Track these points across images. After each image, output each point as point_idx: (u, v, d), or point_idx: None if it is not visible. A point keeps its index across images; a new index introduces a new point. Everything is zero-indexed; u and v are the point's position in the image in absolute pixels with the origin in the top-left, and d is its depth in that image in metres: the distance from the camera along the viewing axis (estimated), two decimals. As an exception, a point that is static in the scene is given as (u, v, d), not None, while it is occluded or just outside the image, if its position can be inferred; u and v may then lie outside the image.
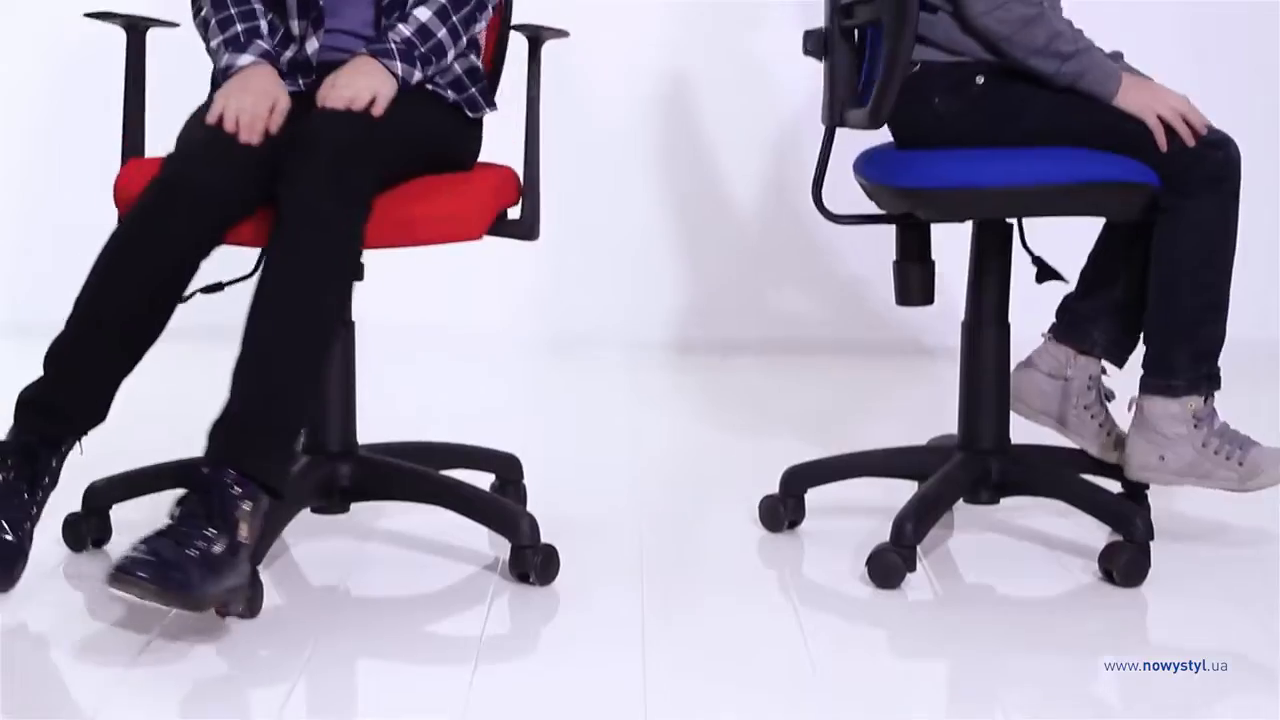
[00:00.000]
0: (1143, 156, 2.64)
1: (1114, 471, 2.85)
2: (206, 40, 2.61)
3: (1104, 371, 2.88)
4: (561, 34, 2.78)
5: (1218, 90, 4.64)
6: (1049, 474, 2.82)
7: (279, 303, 2.35)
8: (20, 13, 4.67)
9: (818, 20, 2.83)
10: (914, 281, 2.84)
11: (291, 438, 2.38)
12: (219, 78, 2.56)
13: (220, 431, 2.31)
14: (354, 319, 2.68)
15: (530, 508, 2.86)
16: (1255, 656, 2.38)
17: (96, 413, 2.47)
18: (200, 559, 2.17)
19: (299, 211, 2.37)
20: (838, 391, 4.30)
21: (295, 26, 2.64)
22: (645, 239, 4.77)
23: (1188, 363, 2.69)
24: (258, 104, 2.47)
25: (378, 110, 2.49)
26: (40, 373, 2.46)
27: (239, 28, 2.58)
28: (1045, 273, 2.84)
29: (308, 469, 2.65)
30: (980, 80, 2.72)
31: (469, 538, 2.74)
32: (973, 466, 2.79)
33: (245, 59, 2.55)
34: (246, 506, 2.26)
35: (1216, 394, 2.74)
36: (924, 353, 4.54)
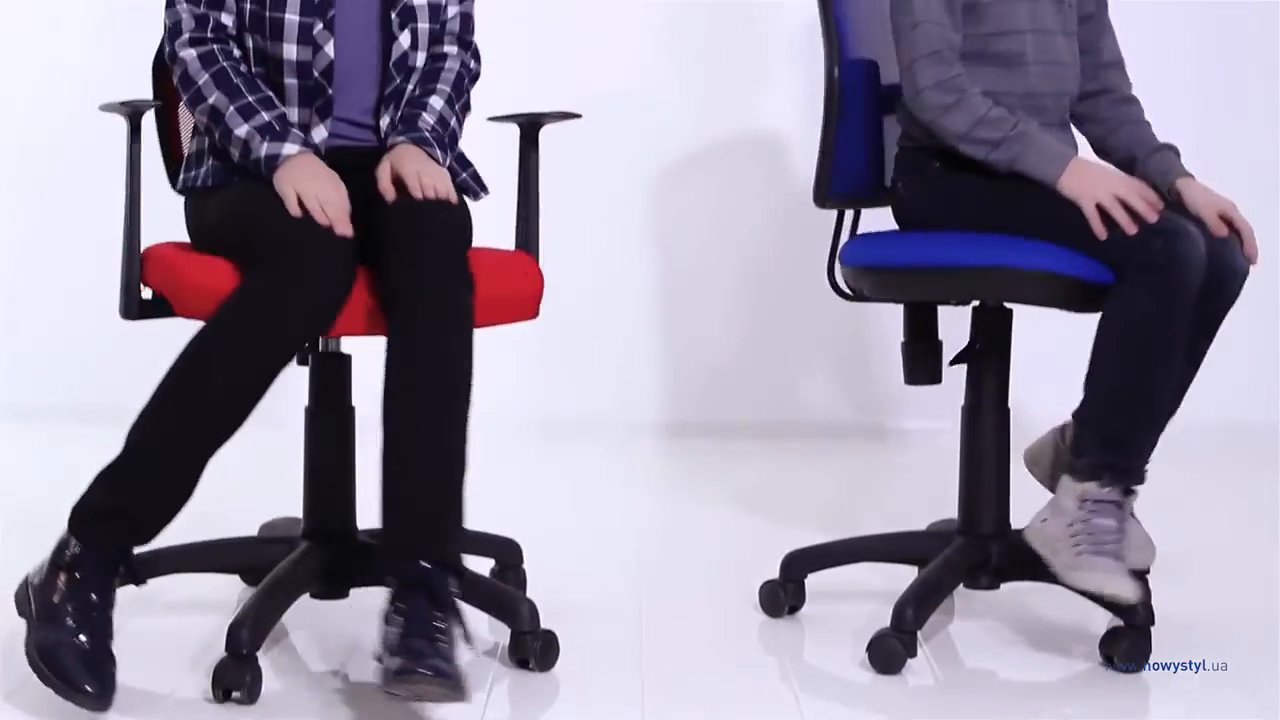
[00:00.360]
0: (1086, 244, 2.61)
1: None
2: (224, 128, 2.54)
3: None
4: (572, 116, 2.81)
5: (1221, 92, 4.69)
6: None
7: (428, 389, 2.39)
8: (7, 98, 4.68)
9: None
10: (921, 362, 2.86)
11: (462, 516, 2.43)
12: (258, 167, 2.51)
13: (400, 527, 2.37)
14: (353, 405, 2.69)
15: (530, 593, 2.86)
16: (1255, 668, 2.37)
17: (173, 515, 2.44)
18: (450, 650, 2.28)
19: (432, 300, 2.40)
20: (837, 475, 4.30)
21: (295, 114, 2.64)
22: (639, 321, 4.76)
23: (1094, 448, 2.61)
24: (334, 193, 2.46)
25: (454, 197, 2.54)
26: (83, 473, 2.42)
27: (266, 116, 2.54)
28: (962, 357, 2.84)
29: (307, 554, 2.64)
30: (937, 165, 2.78)
31: (469, 623, 2.72)
32: (973, 551, 2.78)
33: (290, 148, 2.52)
34: (455, 592, 2.34)
35: (1135, 491, 2.63)
36: (923, 435, 4.53)
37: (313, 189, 2.45)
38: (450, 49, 2.75)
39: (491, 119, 2.86)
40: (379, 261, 2.45)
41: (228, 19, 2.61)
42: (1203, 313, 2.64)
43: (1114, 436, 2.60)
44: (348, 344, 2.70)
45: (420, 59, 2.70)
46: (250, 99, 2.55)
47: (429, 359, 2.40)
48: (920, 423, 4.55)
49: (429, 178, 2.51)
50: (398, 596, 2.31)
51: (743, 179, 4.71)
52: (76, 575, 2.37)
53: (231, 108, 2.55)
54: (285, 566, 2.59)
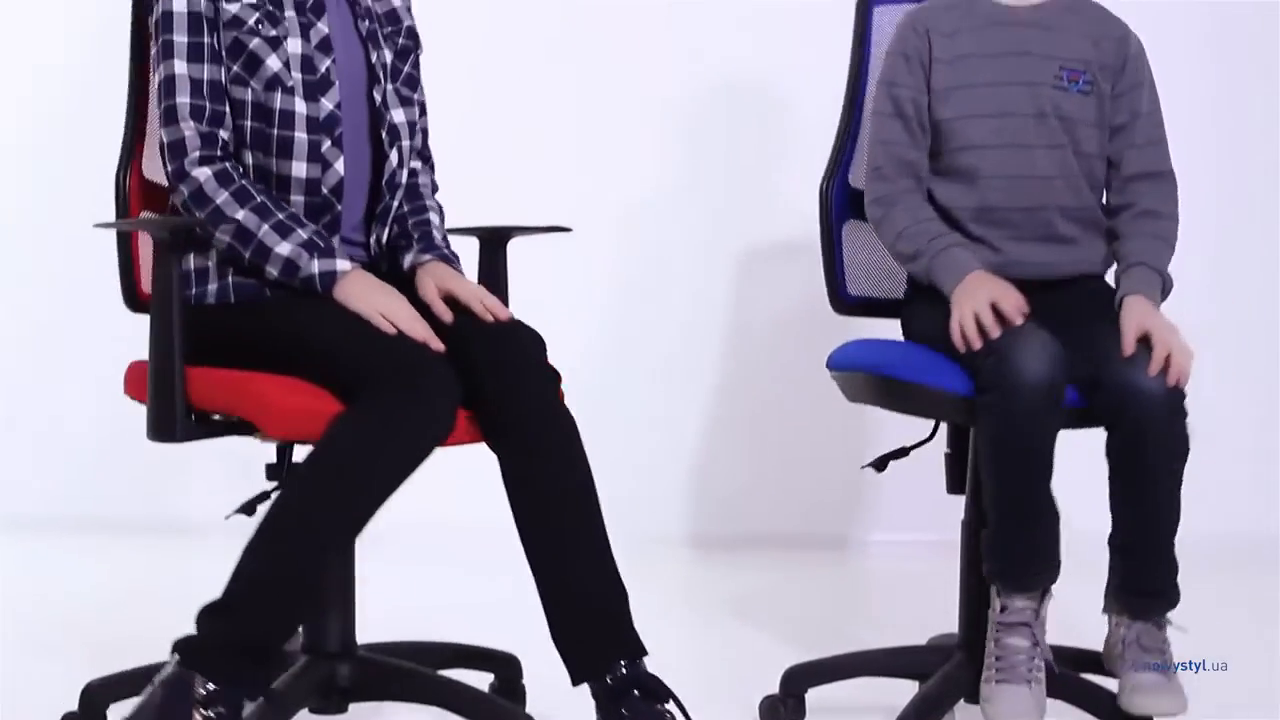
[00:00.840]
0: (966, 359, 2.62)
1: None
2: (259, 246, 2.51)
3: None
4: (558, 230, 2.84)
5: (1221, 92, 4.69)
6: (1049, 674, 2.80)
7: (568, 499, 2.50)
8: (16, 214, 4.71)
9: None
10: (962, 472, 2.87)
11: (628, 598, 2.51)
12: (309, 283, 2.50)
13: (588, 640, 2.49)
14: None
15: (529, 709, 2.84)
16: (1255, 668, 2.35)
17: (294, 633, 2.47)
18: None
19: (548, 419, 2.50)
20: (839, 587, 4.28)
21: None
22: (651, 434, 4.76)
23: (985, 554, 2.65)
24: (408, 309, 2.49)
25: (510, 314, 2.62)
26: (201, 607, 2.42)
27: (304, 233, 2.52)
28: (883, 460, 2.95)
29: (305, 669, 2.64)
30: (909, 278, 2.88)
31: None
32: (973, 666, 2.77)
33: (344, 264, 2.52)
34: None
35: (1033, 616, 2.63)
36: (926, 548, 4.52)
37: (389, 306, 2.48)
38: (416, 164, 2.83)
39: (451, 231, 2.88)
40: (469, 385, 2.48)
41: (226, 135, 2.60)
42: (1124, 441, 2.58)
43: (996, 545, 2.64)
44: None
45: (404, 176, 2.75)
46: (280, 216, 2.54)
47: (560, 472, 2.49)
48: (924, 535, 4.53)
49: (490, 300, 2.59)
50: (615, 704, 2.42)
51: (763, 283, 4.71)
52: (214, 713, 2.35)
53: (265, 226, 2.52)
54: (284, 680, 2.58)
